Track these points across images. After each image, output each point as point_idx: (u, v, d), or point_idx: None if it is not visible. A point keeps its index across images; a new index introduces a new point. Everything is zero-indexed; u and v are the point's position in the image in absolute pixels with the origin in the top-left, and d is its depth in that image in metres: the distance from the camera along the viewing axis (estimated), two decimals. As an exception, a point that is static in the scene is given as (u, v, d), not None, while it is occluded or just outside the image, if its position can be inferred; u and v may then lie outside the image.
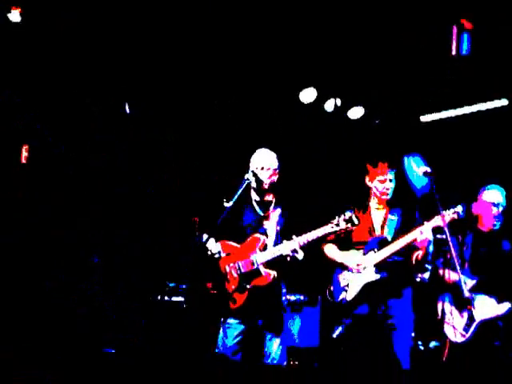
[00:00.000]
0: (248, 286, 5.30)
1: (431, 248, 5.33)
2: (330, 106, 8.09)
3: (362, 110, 8.34)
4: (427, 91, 7.99)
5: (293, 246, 5.19)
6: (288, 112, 8.04)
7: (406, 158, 7.97)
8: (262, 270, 5.28)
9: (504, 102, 7.86)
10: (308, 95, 7.90)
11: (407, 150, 8.06)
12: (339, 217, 5.14)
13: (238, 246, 5.46)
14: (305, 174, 8.15)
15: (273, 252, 5.27)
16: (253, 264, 5.29)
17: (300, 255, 5.31)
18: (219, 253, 5.41)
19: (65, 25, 6.42)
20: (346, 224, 5.11)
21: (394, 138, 8.49)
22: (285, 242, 5.24)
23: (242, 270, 5.33)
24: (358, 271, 5.37)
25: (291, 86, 7.86)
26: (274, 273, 5.29)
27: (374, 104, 8.43)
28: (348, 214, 5.13)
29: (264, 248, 5.34)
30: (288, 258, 5.26)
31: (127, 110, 7.17)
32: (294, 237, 5.21)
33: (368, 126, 8.59)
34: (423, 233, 5.18)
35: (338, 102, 8.08)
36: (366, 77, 7.77)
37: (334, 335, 5.57)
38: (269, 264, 5.30)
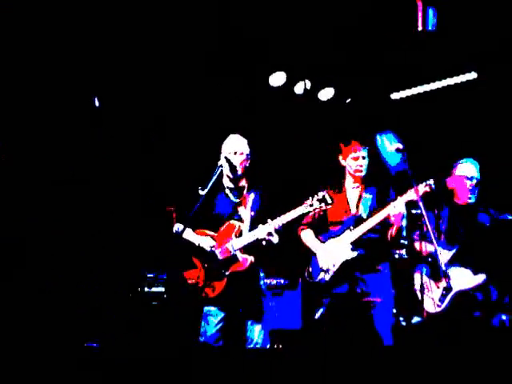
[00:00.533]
0: (226, 273, 5.31)
1: (405, 222, 5.38)
2: (299, 88, 8.07)
3: (332, 90, 8.33)
4: (396, 68, 7.99)
5: (268, 230, 5.21)
6: (258, 96, 8.00)
7: (378, 136, 7.98)
8: (239, 255, 5.30)
9: (473, 75, 7.88)
10: (277, 79, 7.88)
11: (379, 127, 8.07)
12: (312, 197, 5.16)
13: (214, 233, 5.46)
14: (278, 157, 8.14)
15: (248, 237, 5.30)
16: (230, 251, 5.30)
17: (275, 239, 5.33)
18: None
19: (20, 14, 6.33)
20: (320, 203, 5.14)
21: (365, 116, 8.49)
22: (260, 226, 5.26)
23: (220, 257, 5.34)
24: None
25: (260, 70, 7.82)
26: (251, 258, 5.31)
27: (344, 84, 8.42)
28: (321, 194, 5.16)
29: (240, 234, 5.36)
30: (264, 242, 5.29)
31: (96, 103, 7.10)
32: (269, 220, 5.23)
33: (339, 107, 8.58)
34: (396, 207, 5.22)
35: (308, 84, 8.05)
36: (334, 57, 7.75)
37: (316, 316, 5.59)
38: (245, 249, 5.32)
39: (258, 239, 5.26)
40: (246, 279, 5.35)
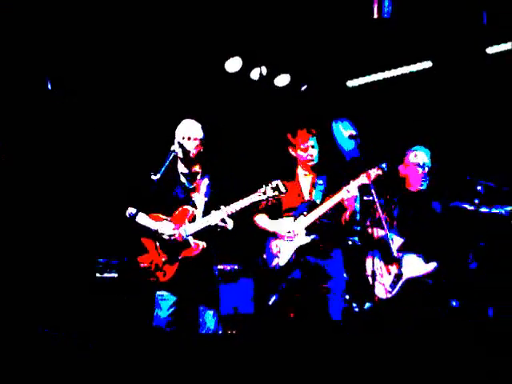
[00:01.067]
0: (179, 258, 5.30)
1: (358, 206, 5.42)
2: (255, 74, 8.04)
3: (289, 77, 8.32)
4: (352, 56, 8.01)
5: (221, 216, 5.20)
6: (214, 82, 7.95)
7: (334, 123, 8.00)
8: (191, 241, 5.28)
9: (428, 63, 7.94)
10: (233, 64, 7.84)
11: (335, 114, 8.09)
12: (266, 185, 5.16)
13: (168, 218, 5.44)
14: (233, 143, 8.12)
15: (201, 223, 5.28)
16: (182, 235, 5.29)
17: (230, 224, 5.33)
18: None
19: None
20: (273, 192, 5.13)
21: (321, 103, 8.51)
22: (213, 212, 5.24)
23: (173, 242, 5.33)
24: (291, 238, 5.42)
25: (216, 55, 7.77)
26: (202, 243, 5.29)
27: (300, 71, 8.42)
28: (275, 183, 5.15)
29: (193, 219, 5.34)
30: (218, 228, 5.28)
31: (49, 86, 6.98)
32: (222, 207, 5.22)
33: (295, 93, 8.58)
34: (350, 191, 5.26)
35: (264, 70, 8.03)
36: (291, 44, 7.74)
37: (270, 302, 5.60)
38: (198, 235, 5.30)
39: (210, 225, 5.24)
40: (197, 264, 5.33)
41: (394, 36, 7.45)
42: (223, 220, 5.21)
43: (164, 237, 5.35)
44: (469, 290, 6.18)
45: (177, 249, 5.32)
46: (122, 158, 7.47)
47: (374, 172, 5.30)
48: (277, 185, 5.14)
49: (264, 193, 5.14)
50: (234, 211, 5.20)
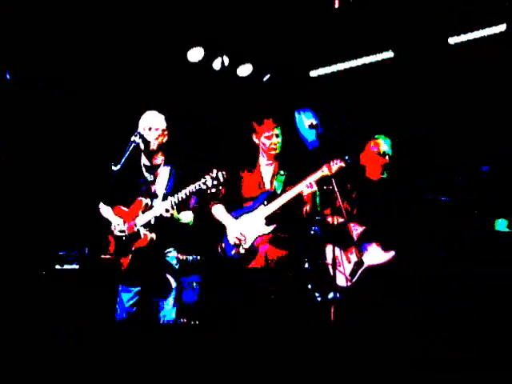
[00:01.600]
0: (131, 249, 5.32)
1: (318, 200, 5.43)
2: (217, 64, 8.01)
3: (251, 67, 8.30)
4: (315, 46, 8.01)
5: (165, 206, 5.19)
6: (176, 72, 7.90)
7: (296, 114, 8.00)
8: (141, 232, 5.28)
9: (390, 54, 7.97)
10: (195, 54, 7.79)
11: (298, 105, 8.09)
12: (207, 175, 5.14)
13: (126, 209, 5.43)
14: (193, 133, 8.09)
15: (150, 214, 5.29)
16: (134, 227, 5.28)
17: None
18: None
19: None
20: (213, 181, 5.11)
21: (284, 93, 8.51)
22: (160, 202, 5.25)
23: (127, 233, 5.32)
24: (239, 245, 5.43)
25: (178, 45, 7.72)
26: (152, 235, 5.29)
27: (263, 61, 8.40)
28: (215, 172, 5.12)
29: (148, 210, 5.32)
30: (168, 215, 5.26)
31: (8, 77, 6.89)
32: (168, 197, 5.22)
33: (257, 83, 8.57)
34: (309, 186, 5.27)
35: (226, 60, 8.00)
36: (253, 33, 7.72)
37: (229, 292, 5.59)
38: (150, 226, 5.29)
39: (160, 215, 5.23)
40: (148, 255, 5.35)
41: (356, 26, 7.47)
42: (168, 210, 5.19)
43: (115, 233, 5.38)
44: (429, 278, 6.25)
45: (130, 240, 5.33)
46: (83, 150, 7.40)
47: (336, 164, 5.32)
48: (216, 175, 5.12)
49: (204, 183, 5.13)
50: (177, 201, 5.18)
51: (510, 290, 5.94)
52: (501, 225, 6.23)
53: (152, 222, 5.27)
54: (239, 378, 4.80)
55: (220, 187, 5.16)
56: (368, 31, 7.59)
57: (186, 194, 5.17)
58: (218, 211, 5.70)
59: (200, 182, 5.14)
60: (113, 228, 5.41)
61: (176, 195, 5.19)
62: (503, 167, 6.51)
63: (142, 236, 5.29)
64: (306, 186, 5.29)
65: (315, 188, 5.31)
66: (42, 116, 7.25)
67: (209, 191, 5.20)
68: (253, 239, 5.43)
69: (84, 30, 6.94)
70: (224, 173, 5.16)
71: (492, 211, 6.28)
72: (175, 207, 5.20)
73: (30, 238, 6.93)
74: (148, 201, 5.37)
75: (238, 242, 5.44)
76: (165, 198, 5.34)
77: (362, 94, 8.11)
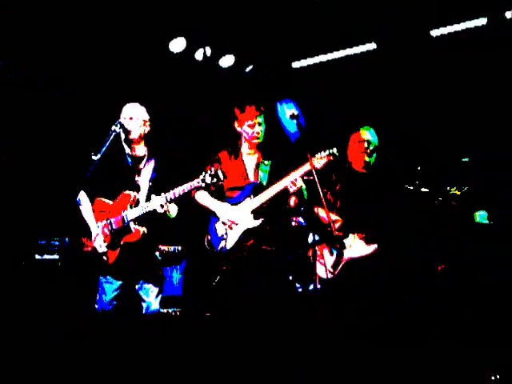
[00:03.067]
0: (120, 243, 5.30)
1: (305, 194, 5.42)
2: (199, 55, 7.97)
3: (233, 58, 8.27)
4: (297, 37, 7.99)
5: (160, 202, 5.17)
6: (157, 62, 7.85)
7: (278, 105, 8.00)
8: (132, 226, 5.26)
9: (372, 45, 7.97)
10: (177, 45, 7.75)
11: (280, 96, 8.09)
12: (206, 172, 5.12)
13: (111, 202, 5.39)
14: (177, 125, 8.05)
15: (142, 208, 5.25)
16: (123, 221, 5.25)
17: (173, 211, 5.34)
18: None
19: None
20: (212, 179, 5.09)
21: (266, 84, 8.49)
22: (153, 197, 5.22)
23: (114, 227, 5.29)
24: (231, 227, 5.40)
25: (160, 36, 7.68)
26: (143, 229, 5.29)
27: (245, 52, 8.37)
28: (214, 169, 5.10)
29: (136, 204, 5.29)
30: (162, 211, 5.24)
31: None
32: (162, 193, 5.18)
33: (240, 74, 8.54)
34: (293, 181, 5.25)
35: (208, 51, 7.96)
36: (235, 24, 7.69)
37: (214, 283, 5.59)
38: (139, 220, 5.26)
39: (151, 210, 5.21)
40: (139, 250, 5.33)
41: (339, 17, 7.46)
42: (162, 206, 5.17)
43: (95, 245, 5.38)
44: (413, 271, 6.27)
45: (119, 234, 5.30)
46: (63, 139, 7.35)
47: (324, 157, 5.31)
48: (216, 172, 5.10)
49: (203, 180, 5.10)
50: (173, 197, 5.16)
51: (490, 281, 5.97)
52: (481, 217, 6.25)
53: (141, 216, 5.26)
54: (223, 367, 4.81)
55: (219, 184, 5.15)
56: (351, 23, 7.59)
57: (183, 191, 5.15)
58: (202, 197, 5.65)
59: (199, 180, 5.12)
60: (93, 239, 5.38)
61: (172, 191, 5.16)
62: (484, 159, 6.53)
63: (133, 230, 5.27)
64: (291, 183, 5.27)
65: (301, 183, 5.29)
66: (22, 104, 7.19)
67: (206, 188, 5.21)
68: (240, 233, 5.40)
69: (66, 18, 6.88)
70: (221, 169, 5.15)
71: (473, 203, 6.30)
72: (169, 203, 5.20)
73: (9, 227, 6.88)
74: (135, 194, 5.34)
75: (229, 224, 5.40)
76: (149, 191, 5.32)
77: (344, 85, 8.11)
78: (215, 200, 5.58)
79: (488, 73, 7.11)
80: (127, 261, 5.31)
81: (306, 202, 5.53)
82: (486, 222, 6.23)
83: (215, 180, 5.10)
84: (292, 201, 5.47)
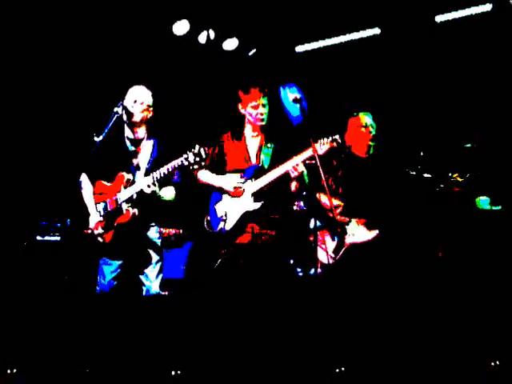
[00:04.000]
0: (114, 225, 5.32)
1: (306, 179, 5.40)
2: (203, 38, 7.94)
3: (237, 41, 8.24)
4: (301, 21, 7.96)
5: (147, 182, 5.18)
6: (161, 45, 7.82)
7: (281, 89, 7.97)
8: (124, 207, 5.27)
9: (376, 30, 7.94)
10: (181, 27, 7.72)
11: (283, 80, 8.06)
12: (190, 151, 5.11)
13: (109, 184, 5.40)
14: (179, 107, 8.03)
15: (132, 189, 5.26)
16: (117, 202, 5.27)
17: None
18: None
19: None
20: (195, 158, 5.08)
21: (269, 68, 8.46)
22: (141, 178, 5.26)
23: (108, 209, 5.31)
24: (238, 195, 5.40)
25: (163, 18, 7.65)
26: (134, 210, 5.28)
27: (249, 35, 8.34)
28: (197, 148, 5.09)
29: (131, 185, 5.30)
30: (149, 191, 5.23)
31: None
32: (151, 173, 5.21)
33: (243, 57, 8.51)
34: (296, 167, 5.24)
35: (212, 33, 7.93)
36: (239, 7, 7.66)
37: (215, 266, 5.59)
38: (132, 201, 5.28)
39: (141, 191, 5.21)
40: (130, 231, 5.34)
41: (343, 2, 7.43)
42: (149, 186, 5.17)
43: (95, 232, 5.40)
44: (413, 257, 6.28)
45: (113, 216, 5.33)
46: (66, 120, 7.34)
47: (327, 143, 5.29)
48: (199, 151, 5.09)
49: (186, 159, 5.10)
50: (159, 177, 5.16)
51: (492, 266, 5.98)
52: (483, 202, 6.26)
53: (134, 198, 5.26)
54: (222, 350, 4.83)
55: (202, 163, 5.13)
56: (355, 7, 7.56)
57: (168, 170, 5.14)
58: (204, 175, 5.63)
59: (182, 158, 5.10)
60: (90, 225, 5.40)
61: (158, 171, 5.16)
62: (486, 145, 6.52)
63: (124, 212, 5.28)
64: (293, 167, 5.26)
65: (302, 168, 5.27)
66: (25, 85, 7.18)
67: (191, 167, 5.17)
68: (240, 214, 5.40)
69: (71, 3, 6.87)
70: (206, 149, 5.13)
71: (475, 189, 6.30)
72: (157, 183, 5.19)
73: (11, 208, 6.89)
74: (130, 176, 5.34)
75: (235, 192, 5.40)
76: (147, 172, 5.32)
77: (347, 70, 8.09)
78: (217, 175, 5.57)
79: (492, 59, 7.09)
80: (121, 242, 5.34)
81: (307, 187, 5.50)
82: (488, 207, 6.23)
83: (198, 159, 5.07)
84: (293, 185, 5.43)
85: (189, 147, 5.19)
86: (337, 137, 5.32)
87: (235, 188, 5.42)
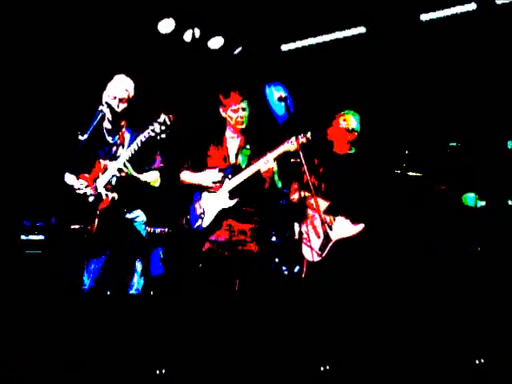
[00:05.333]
0: (97, 212, 5.32)
1: (277, 178, 5.43)
2: (188, 36, 7.93)
3: (222, 39, 8.23)
4: (287, 20, 7.97)
5: (118, 165, 5.23)
6: (147, 43, 7.80)
7: (267, 87, 7.99)
8: (103, 192, 5.29)
9: (362, 29, 7.96)
10: (166, 26, 7.71)
11: (268, 78, 8.07)
12: (155, 122, 5.16)
13: (88, 175, 5.42)
14: (163, 103, 8.01)
15: (108, 174, 5.29)
16: (96, 189, 5.26)
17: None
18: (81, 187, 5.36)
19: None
20: (161, 127, 5.14)
21: (255, 66, 8.46)
22: (112, 162, 5.28)
23: (91, 192, 5.31)
24: (215, 190, 5.42)
25: (149, 16, 7.63)
26: (113, 195, 5.30)
27: (235, 33, 8.34)
28: (162, 117, 5.16)
29: (105, 171, 5.32)
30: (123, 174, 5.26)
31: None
32: (121, 156, 5.29)
33: (229, 56, 8.51)
34: (266, 163, 5.26)
35: (197, 32, 7.93)
36: (225, 6, 7.65)
37: (199, 265, 5.59)
38: (111, 186, 5.31)
39: (115, 176, 5.26)
40: (113, 216, 5.35)
41: (329, 1, 7.45)
42: (120, 169, 5.20)
43: (80, 192, 5.38)
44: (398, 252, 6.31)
45: (95, 204, 5.32)
46: (49, 118, 7.31)
47: (299, 140, 5.30)
48: (164, 120, 5.15)
49: (153, 130, 5.15)
50: (130, 154, 5.20)
51: (478, 261, 6.03)
52: (469, 199, 6.29)
53: (113, 183, 5.29)
54: (208, 349, 4.83)
55: (168, 131, 5.14)
56: (341, 6, 7.57)
57: (137, 145, 5.18)
58: (187, 174, 5.68)
59: (148, 130, 5.15)
60: (77, 189, 5.38)
61: (128, 149, 5.22)
62: (471, 143, 6.56)
63: (104, 197, 5.29)
64: (264, 163, 5.28)
65: (272, 165, 5.29)
66: (7, 83, 7.14)
67: (158, 137, 5.17)
68: (216, 212, 5.44)
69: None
70: (171, 116, 5.17)
71: (460, 186, 6.34)
72: (128, 165, 5.22)
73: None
74: (107, 162, 5.35)
75: (218, 181, 5.45)
76: (131, 160, 5.32)
77: (333, 69, 8.10)
78: (198, 173, 5.61)
79: (477, 57, 7.12)
80: (106, 230, 5.33)
81: (275, 184, 5.51)
82: (474, 204, 6.27)
83: (164, 128, 5.13)
84: (266, 185, 5.47)
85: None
86: (308, 134, 5.32)
87: (214, 183, 5.45)
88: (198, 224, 5.49)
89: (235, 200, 5.41)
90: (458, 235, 6.36)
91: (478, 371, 4.63)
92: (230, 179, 5.46)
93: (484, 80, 7.09)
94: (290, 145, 5.25)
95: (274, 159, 5.31)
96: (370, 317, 5.36)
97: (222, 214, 5.45)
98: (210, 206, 5.49)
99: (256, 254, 5.46)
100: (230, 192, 5.44)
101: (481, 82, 7.12)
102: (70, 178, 5.51)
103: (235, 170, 5.49)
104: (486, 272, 5.89)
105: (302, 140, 5.26)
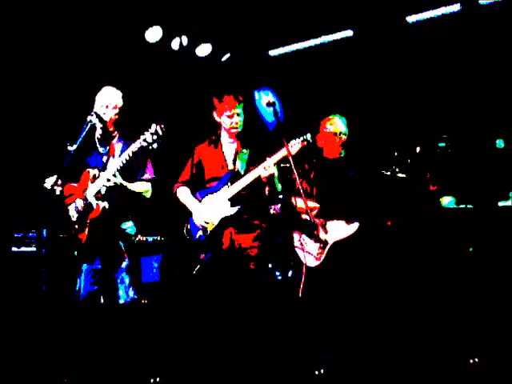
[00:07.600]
0: (87, 221, 5.31)
1: (277, 182, 5.41)
2: (176, 44, 7.94)
3: (210, 46, 8.25)
4: (274, 25, 7.98)
5: (107, 176, 5.21)
6: (134, 51, 7.80)
7: (256, 93, 7.99)
8: (94, 202, 5.28)
9: (349, 32, 7.98)
10: (153, 34, 7.71)
11: (257, 84, 8.07)
12: (147, 131, 5.15)
13: (76, 185, 5.41)
14: (154, 112, 8.01)
15: (98, 183, 5.27)
16: (86, 199, 5.26)
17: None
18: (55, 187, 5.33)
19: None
20: (153, 137, 5.12)
21: (243, 73, 8.47)
22: (102, 172, 5.27)
23: (79, 208, 5.29)
24: (203, 227, 5.39)
25: (136, 25, 7.63)
26: (104, 204, 5.29)
27: (222, 40, 8.35)
28: (153, 127, 5.13)
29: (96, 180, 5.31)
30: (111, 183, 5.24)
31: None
32: (110, 166, 5.27)
33: (217, 63, 8.52)
34: (267, 168, 5.24)
35: (184, 40, 7.93)
36: (212, 13, 7.66)
37: (194, 272, 5.59)
38: (101, 196, 5.29)
39: (104, 185, 5.25)
40: (104, 225, 5.33)
41: (315, 5, 7.46)
42: (109, 179, 5.19)
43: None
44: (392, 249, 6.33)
45: (85, 214, 5.32)
46: (38, 128, 7.30)
47: (298, 144, 5.29)
48: (155, 130, 5.12)
49: (144, 140, 5.13)
50: (122, 164, 5.19)
51: (457, 260, 6.08)
52: (449, 203, 6.35)
53: (102, 192, 5.26)
54: (202, 356, 4.84)
55: (160, 141, 5.14)
56: (327, 10, 7.59)
57: (128, 155, 5.17)
58: (183, 194, 5.65)
59: (140, 140, 5.13)
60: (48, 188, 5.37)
61: (119, 158, 5.20)
62: (459, 144, 6.59)
63: (95, 206, 5.27)
64: (264, 169, 5.25)
65: (272, 170, 5.26)
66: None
67: (150, 147, 5.16)
68: (217, 221, 5.38)
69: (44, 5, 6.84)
70: (163, 126, 5.15)
71: (444, 187, 6.39)
72: (117, 175, 5.21)
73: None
74: (96, 171, 5.33)
75: (205, 225, 5.40)
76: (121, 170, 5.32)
77: (321, 72, 8.12)
78: (193, 199, 5.56)
79: (463, 58, 7.16)
80: (97, 239, 5.32)
81: (275, 189, 5.49)
82: (454, 206, 6.33)
83: (155, 137, 5.10)
84: (266, 189, 5.44)
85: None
86: (308, 136, 5.32)
87: (206, 222, 5.41)
88: (199, 234, 5.40)
89: (237, 208, 5.36)
90: (450, 236, 6.38)
91: (472, 370, 4.65)
92: (229, 186, 5.44)
93: (471, 80, 7.13)
94: (291, 148, 5.24)
95: (274, 164, 5.30)
96: (371, 317, 5.38)
97: (224, 223, 5.39)
98: (211, 215, 5.42)
99: (256, 261, 5.43)
100: (230, 199, 5.40)
101: (468, 81, 7.16)
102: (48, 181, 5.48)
103: (234, 176, 5.45)
104: (479, 273, 5.92)
105: (302, 144, 5.27)
